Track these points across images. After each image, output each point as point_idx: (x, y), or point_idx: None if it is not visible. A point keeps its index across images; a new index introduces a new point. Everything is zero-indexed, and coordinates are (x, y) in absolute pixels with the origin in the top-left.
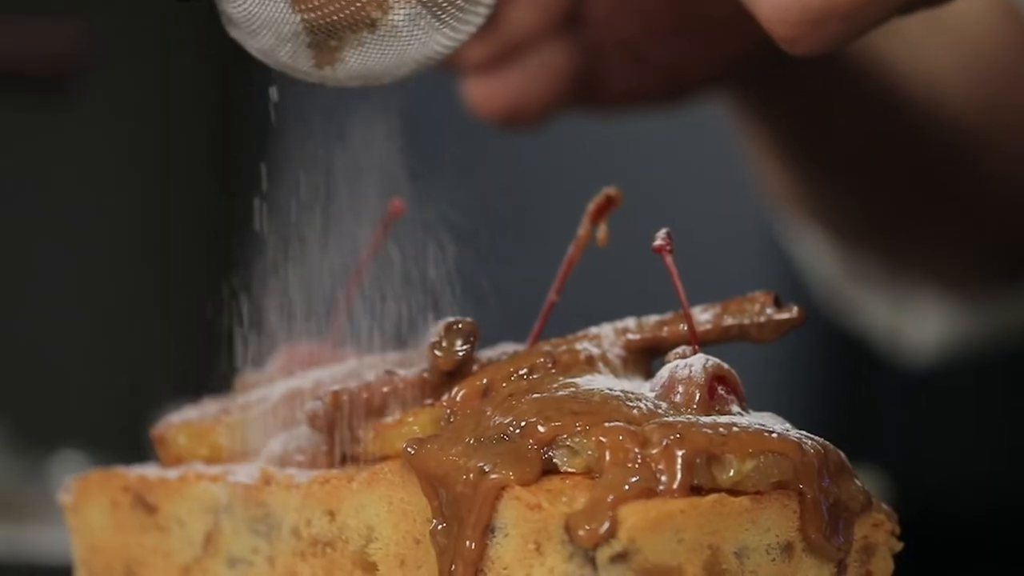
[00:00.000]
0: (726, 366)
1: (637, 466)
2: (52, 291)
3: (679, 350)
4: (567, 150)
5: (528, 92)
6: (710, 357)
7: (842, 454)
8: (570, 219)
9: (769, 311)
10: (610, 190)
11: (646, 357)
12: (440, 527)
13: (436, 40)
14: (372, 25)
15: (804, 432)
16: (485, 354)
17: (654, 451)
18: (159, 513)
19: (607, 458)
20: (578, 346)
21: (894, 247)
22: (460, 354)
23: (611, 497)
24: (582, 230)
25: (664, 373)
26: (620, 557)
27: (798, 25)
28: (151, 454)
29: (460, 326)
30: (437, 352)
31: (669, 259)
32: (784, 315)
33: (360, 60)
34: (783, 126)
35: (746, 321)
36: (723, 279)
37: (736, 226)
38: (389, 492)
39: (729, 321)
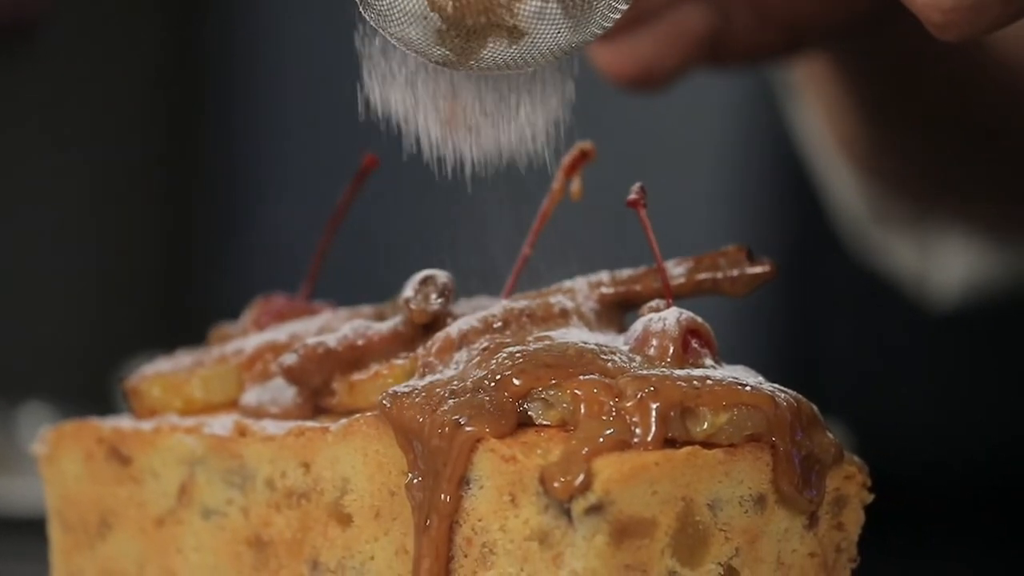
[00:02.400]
0: (699, 319)
1: (612, 419)
2: (15, 244)
3: (653, 304)
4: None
5: (659, 55)
6: (684, 311)
7: (815, 407)
8: (544, 172)
9: (742, 265)
10: (584, 144)
11: (620, 311)
12: (416, 481)
13: (574, 37)
14: (509, 21)
15: (777, 385)
16: (459, 307)
17: (628, 404)
18: (133, 464)
19: (582, 411)
20: (552, 300)
21: (927, 189)
22: (435, 307)
23: (586, 449)
24: (556, 184)
25: (638, 327)
26: (595, 509)
27: (953, 11)
28: (117, 406)
29: (435, 279)
30: (412, 305)
31: (643, 213)
32: (757, 269)
33: (496, 53)
34: (869, 78)
35: (719, 275)
36: (696, 232)
37: (708, 179)
38: (364, 444)
39: (702, 275)
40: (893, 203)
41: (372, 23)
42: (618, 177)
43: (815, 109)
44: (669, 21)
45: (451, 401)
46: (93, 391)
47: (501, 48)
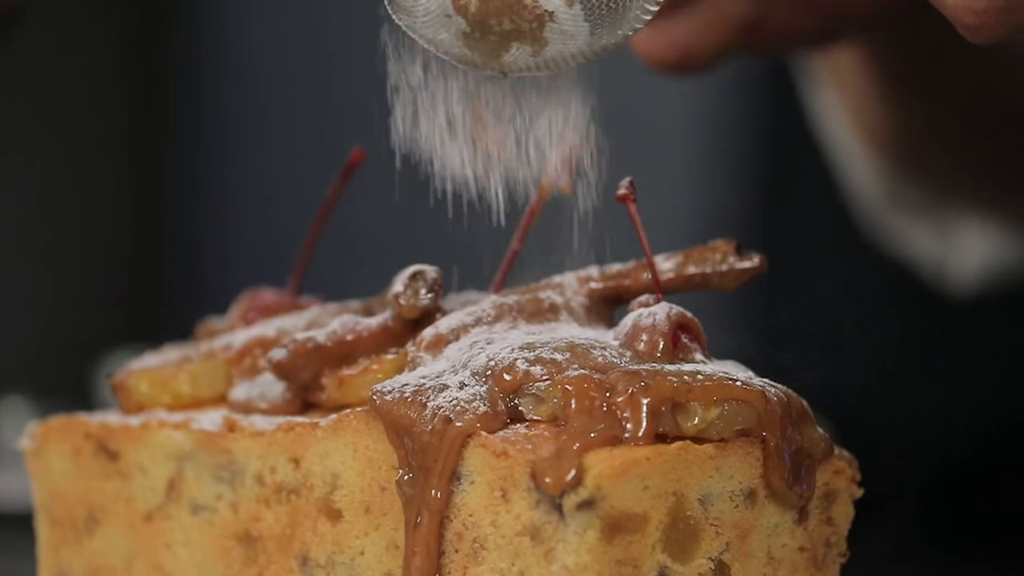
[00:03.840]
0: (689, 314)
1: (603, 414)
2: None
3: (643, 298)
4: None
5: (698, 40)
6: (673, 306)
7: (804, 402)
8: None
9: (731, 259)
10: (573, 139)
11: (609, 305)
12: (406, 477)
13: (600, 40)
14: (536, 23)
15: (767, 380)
16: (449, 303)
17: (619, 399)
18: (121, 460)
19: (573, 406)
20: (541, 295)
21: (948, 176)
22: (424, 303)
23: (577, 445)
24: (545, 179)
25: (628, 321)
26: (586, 504)
27: (985, 13)
28: (97, 401)
29: (425, 275)
30: (402, 301)
31: (633, 208)
32: (746, 263)
33: (521, 56)
34: (900, 66)
35: (708, 269)
36: (684, 227)
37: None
38: (354, 439)
39: (692, 270)
40: (913, 190)
41: (400, 24)
42: (608, 172)
43: (836, 96)
44: (708, 5)
45: (441, 396)
46: (72, 386)
47: (526, 51)
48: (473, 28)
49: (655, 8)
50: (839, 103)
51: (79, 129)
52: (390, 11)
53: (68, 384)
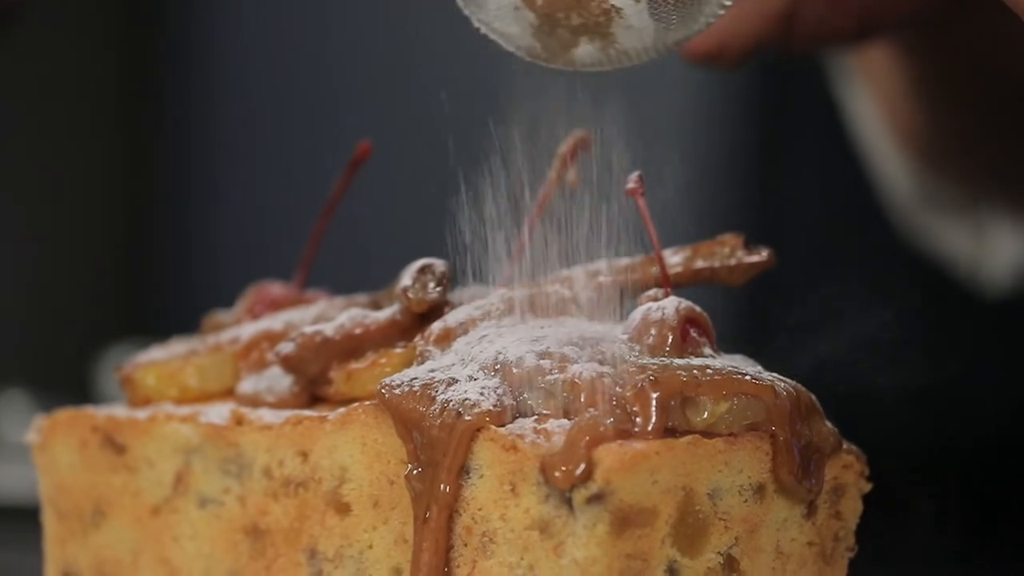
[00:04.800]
0: (698, 308)
1: (612, 408)
2: None
3: (651, 292)
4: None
5: (734, 32)
6: (682, 300)
7: (813, 396)
8: (542, 161)
9: (739, 254)
10: (581, 133)
11: (618, 300)
12: (415, 472)
13: (672, 35)
14: (603, 18)
15: (776, 375)
16: (456, 296)
17: (629, 393)
18: (128, 453)
19: (582, 400)
20: (550, 288)
21: (984, 175)
22: (433, 296)
23: (586, 439)
24: (553, 173)
25: (636, 316)
26: (596, 498)
27: None
28: (96, 394)
29: (433, 268)
30: (410, 294)
31: (642, 202)
32: (754, 258)
33: (593, 50)
34: (936, 65)
35: (716, 264)
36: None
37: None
38: (363, 433)
39: (700, 264)
40: (947, 189)
41: (471, 17)
42: (618, 165)
43: (869, 95)
44: None
45: (450, 390)
46: (72, 380)
47: (595, 46)
48: (542, 22)
49: (730, 3)
50: (872, 102)
51: (77, 121)
52: (461, 5)
53: (68, 378)
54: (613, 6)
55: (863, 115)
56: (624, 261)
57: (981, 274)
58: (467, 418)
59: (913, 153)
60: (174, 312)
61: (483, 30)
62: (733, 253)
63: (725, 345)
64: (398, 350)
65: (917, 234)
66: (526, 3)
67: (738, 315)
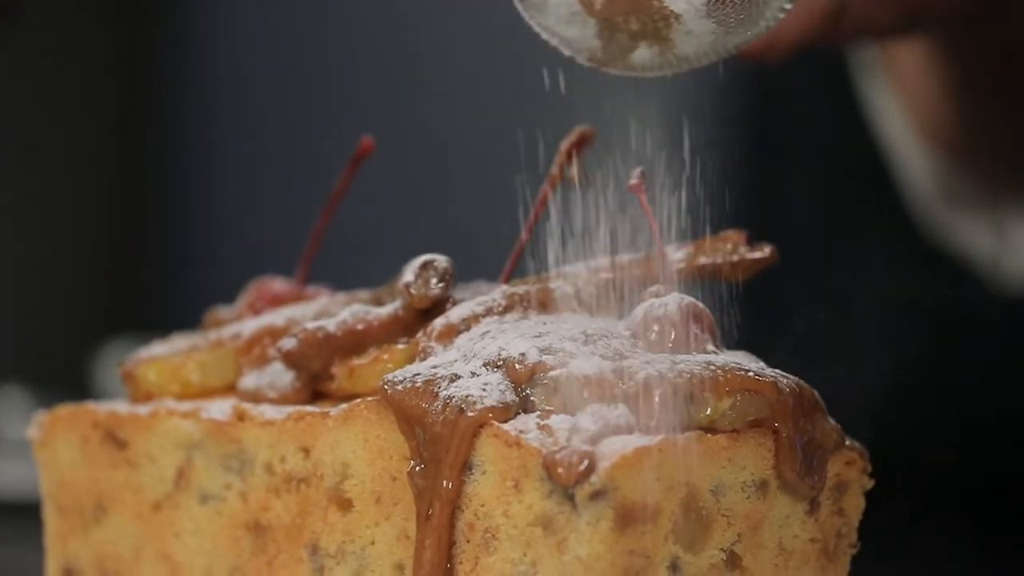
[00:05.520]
0: (701, 304)
1: (615, 404)
2: None
3: (654, 289)
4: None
5: (784, 28)
6: (685, 296)
7: (816, 393)
8: (545, 156)
9: (742, 250)
10: (583, 129)
11: (620, 296)
12: (418, 468)
13: (732, 39)
14: (662, 23)
15: (778, 371)
16: (458, 293)
17: (632, 389)
18: (130, 449)
19: (585, 396)
20: (552, 285)
21: (1009, 172)
22: (435, 292)
23: (590, 435)
24: (555, 169)
25: (639, 312)
26: (599, 494)
27: None
28: (94, 390)
29: (435, 264)
30: (412, 290)
31: (644, 198)
32: (756, 254)
33: (652, 55)
34: (970, 61)
35: (719, 260)
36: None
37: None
38: (365, 429)
39: (702, 260)
40: (971, 186)
41: (531, 21)
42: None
43: (894, 91)
44: None
45: (453, 386)
46: (70, 375)
47: (653, 51)
48: (601, 27)
49: (790, 7)
50: (897, 97)
51: (76, 116)
52: (521, 9)
53: (66, 374)
54: (672, 12)
55: (886, 111)
56: (626, 257)
57: (1001, 271)
58: (470, 414)
59: (938, 150)
60: (172, 308)
61: (543, 35)
62: (735, 249)
63: (727, 341)
64: (400, 346)
65: (938, 230)
66: (585, 8)
67: (742, 312)
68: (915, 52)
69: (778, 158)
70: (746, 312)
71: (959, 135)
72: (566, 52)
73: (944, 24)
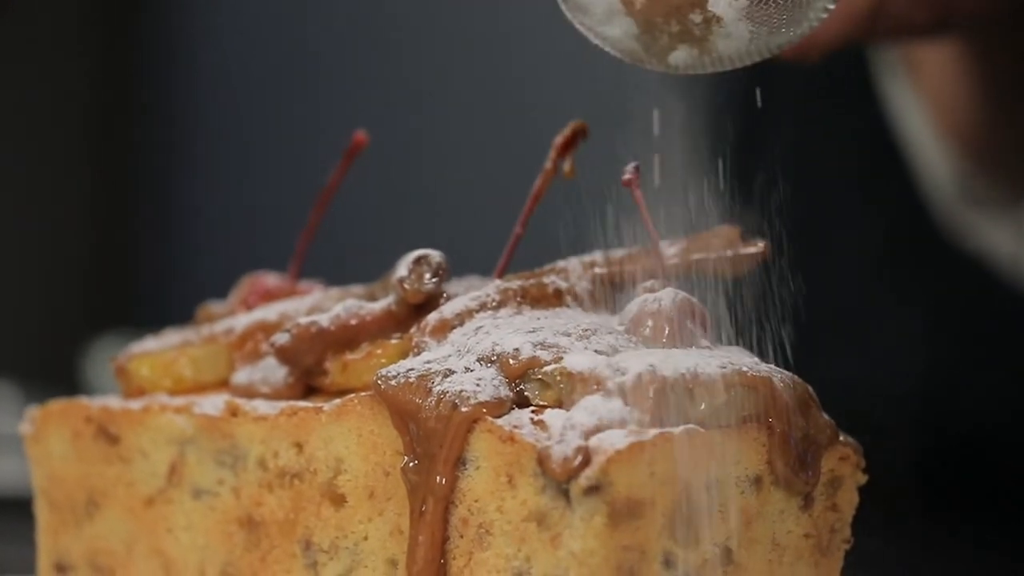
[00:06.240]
0: (694, 300)
1: (609, 399)
2: None
3: (648, 284)
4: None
5: (823, 28)
6: (679, 291)
7: (810, 388)
8: (538, 151)
9: (736, 245)
10: (577, 123)
11: (613, 291)
12: (411, 464)
13: (775, 39)
14: (703, 25)
15: (773, 366)
16: (452, 287)
17: (626, 384)
18: (122, 444)
19: (578, 391)
20: (545, 280)
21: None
22: (429, 287)
23: (583, 430)
24: (549, 163)
25: (633, 307)
26: (593, 490)
27: None
28: (84, 385)
29: (429, 259)
30: (406, 285)
31: (638, 193)
32: (750, 249)
33: (693, 55)
34: (1001, 61)
35: (712, 255)
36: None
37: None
38: (359, 424)
39: (696, 255)
40: (993, 187)
41: (572, 20)
42: (616, 156)
43: (917, 90)
44: None
45: (446, 381)
46: (60, 371)
47: (693, 52)
48: (642, 27)
49: (832, 7)
50: (919, 98)
51: (65, 109)
52: (564, 9)
53: (56, 369)
54: (713, 14)
55: (907, 110)
56: (620, 252)
57: (1023, 271)
58: (463, 409)
59: (960, 150)
60: (163, 304)
61: (586, 34)
62: (729, 245)
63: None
64: (394, 341)
65: (959, 231)
66: (627, 8)
67: (742, 308)
68: (939, 52)
69: (797, 157)
70: (767, 311)
71: (983, 135)
72: (608, 51)
73: (973, 24)
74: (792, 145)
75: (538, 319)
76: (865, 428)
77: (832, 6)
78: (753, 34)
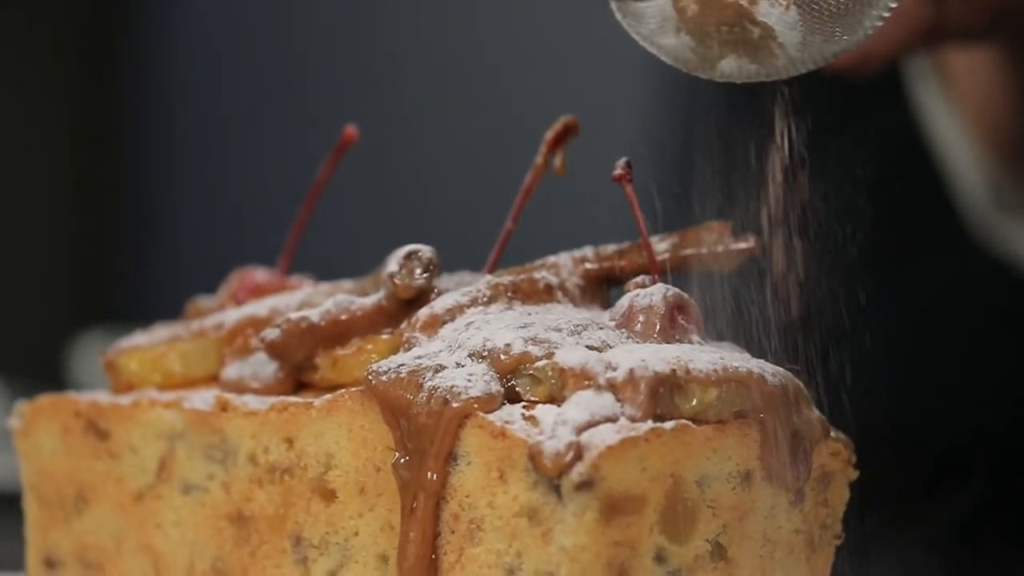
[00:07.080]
0: (685, 296)
1: (600, 395)
2: None
3: (639, 279)
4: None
5: (881, 39)
6: (670, 287)
7: (801, 384)
8: (528, 146)
9: (726, 241)
10: (568, 118)
11: (604, 286)
12: (402, 460)
13: (830, 47)
14: (755, 34)
15: (764, 362)
16: (442, 283)
17: (617, 380)
18: (111, 439)
19: (570, 386)
20: (536, 275)
21: None
22: (420, 282)
23: (575, 426)
24: (539, 158)
25: (624, 302)
26: (585, 485)
27: None
28: (69, 380)
29: (420, 254)
30: (396, 280)
31: (629, 188)
32: (741, 244)
33: (742, 63)
34: None
35: (703, 251)
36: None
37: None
38: (349, 419)
39: (687, 251)
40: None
41: (626, 26)
42: (604, 150)
43: (950, 95)
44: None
45: (437, 377)
46: (45, 366)
47: (743, 60)
48: (693, 36)
49: (887, 14)
50: (952, 102)
51: (48, 104)
52: (620, 18)
53: (41, 364)
54: (765, 24)
55: (940, 115)
56: (611, 247)
57: None
58: (455, 405)
59: (993, 154)
60: (151, 299)
61: (640, 42)
62: (720, 240)
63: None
64: (384, 336)
65: (991, 236)
66: (680, 17)
67: (736, 303)
68: (973, 57)
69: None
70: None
71: (1017, 141)
72: (662, 58)
73: (1018, 27)
74: (821, 150)
75: (529, 314)
76: (884, 439)
77: (887, 14)
78: (807, 42)
